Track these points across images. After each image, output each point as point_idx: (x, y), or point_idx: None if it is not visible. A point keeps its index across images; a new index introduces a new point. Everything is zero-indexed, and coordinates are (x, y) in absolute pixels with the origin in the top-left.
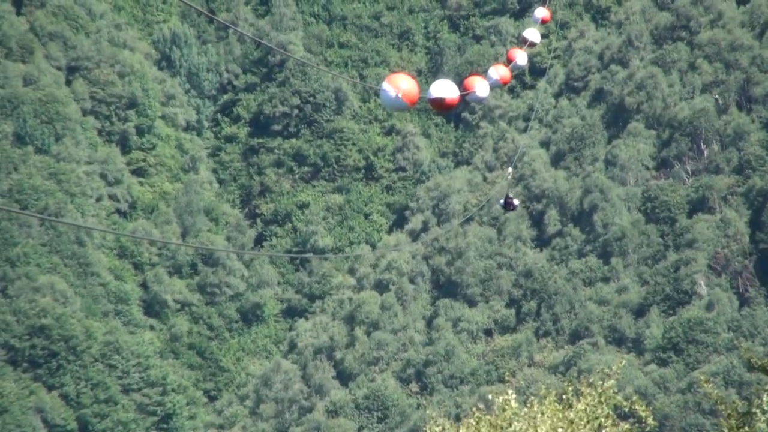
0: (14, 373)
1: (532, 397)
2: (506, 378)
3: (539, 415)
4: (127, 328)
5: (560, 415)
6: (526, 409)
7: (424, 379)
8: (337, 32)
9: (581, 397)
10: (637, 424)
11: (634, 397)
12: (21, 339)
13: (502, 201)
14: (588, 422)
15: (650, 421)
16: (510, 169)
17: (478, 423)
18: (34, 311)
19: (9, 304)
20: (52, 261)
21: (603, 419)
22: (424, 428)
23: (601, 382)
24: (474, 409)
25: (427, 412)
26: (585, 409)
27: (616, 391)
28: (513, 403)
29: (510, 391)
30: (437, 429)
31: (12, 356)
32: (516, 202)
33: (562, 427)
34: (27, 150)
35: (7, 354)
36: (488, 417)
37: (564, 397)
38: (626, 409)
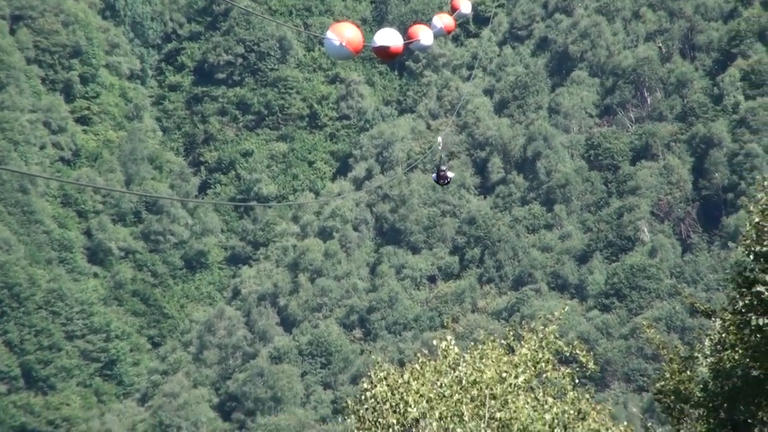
0: None
1: (474, 343)
2: (447, 323)
3: (484, 359)
4: (71, 275)
5: (504, 359)
6: (469, 355)
7: (367, 325)
8: None
9: (523, 342)
10: (578, 369)
11: (575, 342)
12: None
13: (434, 175)
14: (532, 366)
15: (591, 365)
16: (440, 139)
17: (422, 368)
18: None
19: None
20: None
21: (544, 364)
22: (369, 373)
23: (542, 327)
24: (418, 354)
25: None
26: (528, 354)
27: (557, 336)
28: (455, 348)
29: (449, 337)
30: (382, 374)
31: None
32: (450, 174)
33: (507, 371)
34: None
35: None
36: (432, 362)
37: (506, 342)
38: (568, 354)
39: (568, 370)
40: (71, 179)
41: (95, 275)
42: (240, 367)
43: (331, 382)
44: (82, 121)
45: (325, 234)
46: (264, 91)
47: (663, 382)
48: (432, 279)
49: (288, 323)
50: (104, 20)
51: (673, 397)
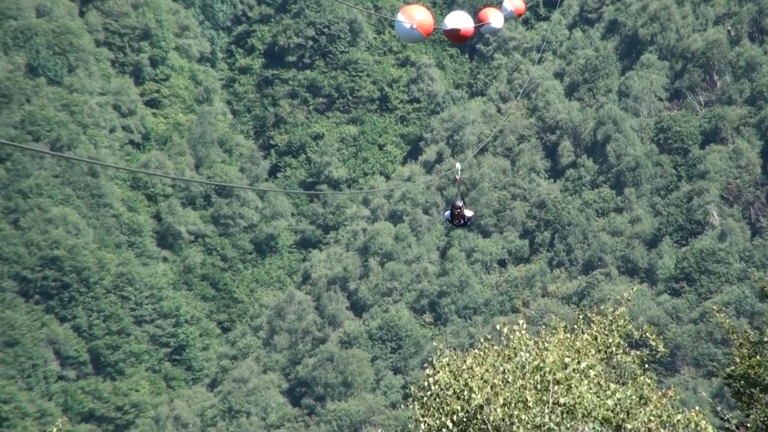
0: (26, 305)
1: (542, 328)
2: (518, 308)
3: (547, 345)
4: (140, 259)
5: (568, 344)
6: (533, 340)
7: (437, 309)
8: None
9: (591, 326)
10: (648, 354)
11: (645, 326)
12: (33, 270)
13: (447, 212)
14: (598, 351)
15: (661, 348)
16: (458, 165)
17: (485, 353)
18: (46, 243)
19: (21, 235)
20: (64, 192)
21: (614, 348)
22: (432, 359)
23: (611, 310)
24: (482, 339)
25: (434, 343)
26: (595, 338)
27: (627, 319)
28: (521, 333)
29: (521, 321)
30: (445, 360)
31: (24, 288)
32: (468, 213)
33: (569, 356)
34: (39, 81)
35: (19, 286)
36: (496, 347)
37: (575, 326)
38: (637, 338)
39: (637, 353)
40: (140, 163)
41: (164, 259)
42: (310, 352)
43: (402, 367)
44: (152, 104)
45: (395, 218)
46: (334, 74)
47: (733, 367)
48: (502, 263)
49: (358, 308)
50: (174, 2)
51: (743, 382)
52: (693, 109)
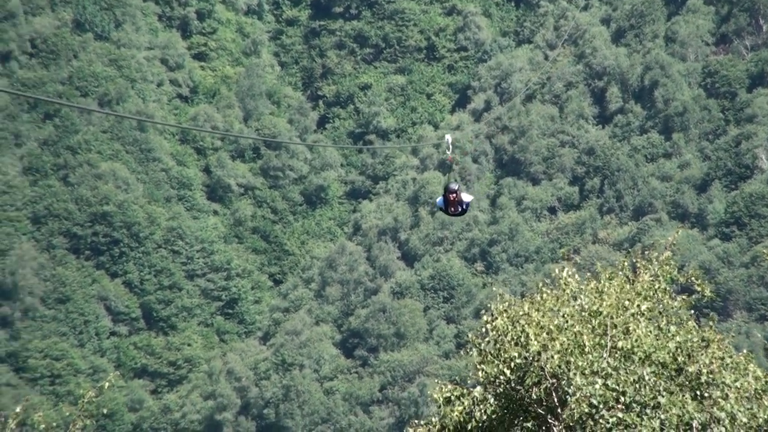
0: (77, 262)
1: (593, 273)
2: (568, 255)
3: (605, 289)
4: (191, 213)
5: (626, 287)
6: (591, 285)
7: (488, 258)
8: None
9: (642, 270)
10: (696, 298)
11: (690, 270)
12: (83, 227)
13: (440, 199)
14: (653, 294)
15: (707, 293)
16: (448, 138)
17: (542, 299)
18: (96, 199)
19: (71, 192)
20: (113, 147)
21: (661, 293)
22: (489, 306)
23: (656, 254)
24: (540, 284)
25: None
26: (649, 283)
27: (673, 263)
28: (575, 278)
29: (571, 268)
30: (502, 306)
31: (74, 244)
32: (467, 198)
33: (629, 299)
34: (87, 37)
35: (69, 242)
36: (554, 292)
37: (624, 271)
38: (683, 283)
39: (684, 297)
40: (188, 117)
41: (215, 213)
42: (362, 303)
43: (454, 317)
44: (200, 57)
45: (444, 167)
46: (381, 23)
47: None
48: (552, 210)
49: (409, 258)
50: None
51: None
52: (739, 53)
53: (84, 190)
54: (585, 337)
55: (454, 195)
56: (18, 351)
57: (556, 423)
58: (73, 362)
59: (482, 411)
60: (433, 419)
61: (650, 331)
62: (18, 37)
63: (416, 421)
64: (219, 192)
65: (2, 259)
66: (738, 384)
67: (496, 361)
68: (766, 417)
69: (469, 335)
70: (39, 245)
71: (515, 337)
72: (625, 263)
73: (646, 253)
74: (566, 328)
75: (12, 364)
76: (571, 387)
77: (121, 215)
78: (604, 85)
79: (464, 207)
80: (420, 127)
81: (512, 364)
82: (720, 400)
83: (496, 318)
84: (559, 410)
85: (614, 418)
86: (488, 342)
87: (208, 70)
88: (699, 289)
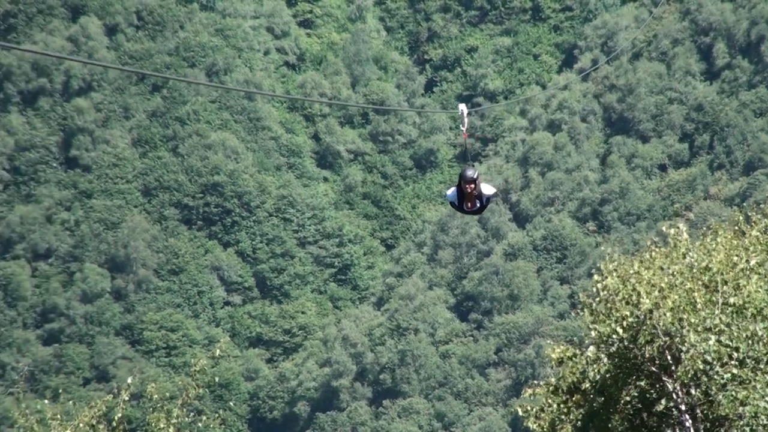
0: (189, 233)
1: (705, 230)
2: (677, 212)
3: (714, 245)
4: (301, 180)
5: (734, 242)
6: (699, 241)
7: (600, 217)
8: None
9: (753, 224)
10: None
11: None
12: (194, 197)
13: (450, 192)
14: (763, 250)
15: None
16: (462, 107)
17: (652, 257)
18: (206, 169)
19: (181, 162)
20: (222, 117)
21: None
22: (599, 266)
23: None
24: (649, 243)
25: (602, 248)
26: (758, 237)
27: None
28: (685, 235)
29: (681, 225)
30: (612, 265)
31: (186, 215)
32: (488, 190)
33: (737, 255)
34: (192, 7)
35: (181, 213)
36: (663, 250)
37: (736, 227)
38: None
39: None
40: (296, 84)
41: (325, 179)
42: (475, 265)
43: (568, 277)
44: (305, 24)
45: (553, 127)
46: None
47: None
48: (663, 167)
49: (521, 219)
50: None
51: None
52: None
53: (194, 160)
54: (696, 294)
55: (473, 186)
56: (133, 323)
57: (670, 381)
58: (188, 333)
59: (596, 371)
60: (552, 380)
61: (761, 287)
62: (124, 10)
63: (535, 382)
64: (329, 159)
65: (115, 231)
66: None
67: (608, 321)
68: None
69: (580, 295)
70: (150, 217)
71: (626, 296)
72: (740, 217)
73: (762, 206)
74: (677, 286)
75: (127, 337)
76: (685, 344)
77: (231, 185)
78: (711, 40)
79: (484, 202)
80: (528, 88)
81: (624, 323)
82: None
83: (606, 278)
84: (672, 368)
85: (729, 374)
86: (599, 302)
87: (314, 37)
88: None
